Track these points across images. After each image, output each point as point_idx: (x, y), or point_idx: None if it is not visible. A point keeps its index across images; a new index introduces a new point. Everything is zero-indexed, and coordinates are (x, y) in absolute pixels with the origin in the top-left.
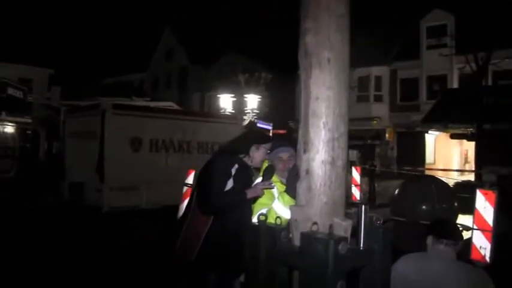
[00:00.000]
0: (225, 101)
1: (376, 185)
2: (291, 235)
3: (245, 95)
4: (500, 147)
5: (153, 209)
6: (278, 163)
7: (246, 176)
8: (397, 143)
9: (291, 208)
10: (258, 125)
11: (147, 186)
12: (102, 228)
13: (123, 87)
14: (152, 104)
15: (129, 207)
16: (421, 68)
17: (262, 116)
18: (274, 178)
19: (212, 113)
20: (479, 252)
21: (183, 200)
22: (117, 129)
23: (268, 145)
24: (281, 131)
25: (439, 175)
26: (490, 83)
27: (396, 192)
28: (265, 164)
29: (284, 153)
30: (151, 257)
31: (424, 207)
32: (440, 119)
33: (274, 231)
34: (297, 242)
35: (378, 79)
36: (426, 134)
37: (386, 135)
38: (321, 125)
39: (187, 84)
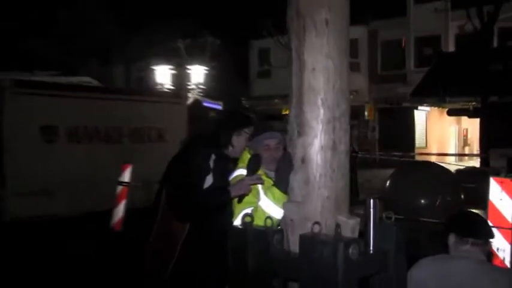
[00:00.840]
0: (162, 75)
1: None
2: (285, 239)
3: (188, 67)
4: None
5: (74, 218)
6: (263, 152)
7: (226, 169)
8: (379, 122)
9: (285, 205)
10: (205, 104)
11: (64, 188)
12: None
13: (20, 57)
14: (63, 80)
15: (40, 217)
16: (408, 27)
17: (210, 92)
18: (260, 169)
19: (148, 91)
20: (497, 256)
21: (118, 203)
22: (22, 113)
23: (250, 129)
24: None
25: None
26: (496, 44)
27: (387, 184)
28: (247, 154)
29: (270, 140)
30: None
31: (423, 201)
32: (434, 92)
33: (264, 235)
34: (294, 247)
35: (354, 43)
36: (415, 111)
37: (366, 113)
38: (319, 102)
39: (109, 54)
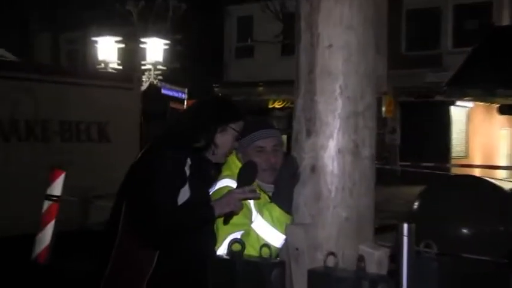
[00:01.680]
0: (105, 49)
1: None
2: (288, 274)
3: (142, 40)
4: None
5: None
6: (255, 157)
7: (207, 178)
8: (402, 121)
9: (287, 229)
10: (163, 91)
11: None
12: None
13: None
14: None
15: None
16: None
17: (172, 75)
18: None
19: (86, 71)
20: None
21: (45, 225)
22: None
23: (239, 125)
24: None
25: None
26: None
27: (414, 206)
28: (234, 159)
29: (266, 140)
30: None
31: (467, 231)
32: (480, 80)
33: (258, 269)
34: (299, 285)
35: None
36: (452, 107)
37: (383, 108)
38: (337, 89)
39: (30, 18)
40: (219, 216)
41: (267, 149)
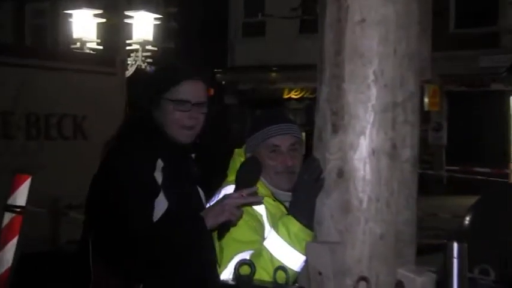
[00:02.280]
0: (82, 25)
1: None
2: None
3: (127, 13)
4: None
5: None
6: (268, 159)
7: (188, 177)
8: (449, 116)
9: (308, 249)
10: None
11: None
12: None
13: None
14: None
15: None
16: None
17: (164, 57)
18: (261, 187)
19: (58, 52)
20: None
21: (5, 242)
22: None
23: (176, 90)
24: None
25: None
26: None
27: (466, 220)
28: (240, 160)
29: (282, 138)
30: None
31: None
32: None
33: None
34: None
35: None
36: None
37: (425, 100)
38: (370, 75)
39: None
40: (214, 229)
41: (283, 149)
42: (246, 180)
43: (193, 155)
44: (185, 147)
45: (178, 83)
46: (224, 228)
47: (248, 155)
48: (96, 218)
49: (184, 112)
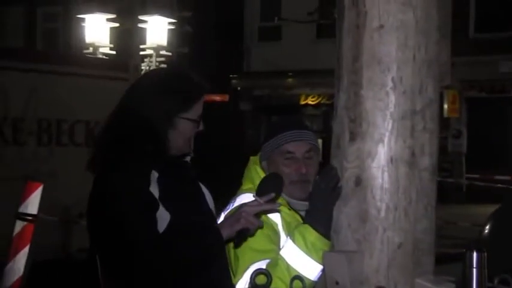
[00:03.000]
0: (95, 30)
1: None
2: None
3: (141, 18)
4: None
5: None
6: (284, 165)
7: (187, 185)
8: (469, 123)
9: (326, 258)
10: None
11: None
12: None
13: None
14: None
15: None
16: None
17: (178, 62)
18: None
19: (70, 57)
20: None
21: (16, 252)
22: None
23: (195, 108)
24: (217, 97)
25: None
26: None
27: (486, 229)
28: (256, 168)
29: (297, 144)
30: None
31: None
32: None
33: None
34: None
35: None
36: None
37: (445, 106)
38: (389, 82)
39: None
40: (230, 240)
41: (298, 156)
42: (267, 189)
43: (188, 159)
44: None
45: (198, 101)
46: (241, 237)
47: (264, 163)
48: (99, 239)
49: (196, 128)
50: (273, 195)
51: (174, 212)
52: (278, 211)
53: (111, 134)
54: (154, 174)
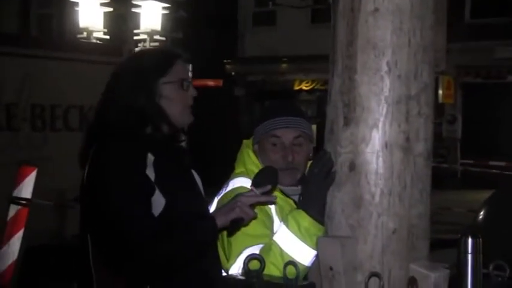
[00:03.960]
0: (89, 14)
1: None
2: None
3: (135, 2)
4: None
5: None
6: (271, 151)
7: (180, 166)
8: (464, 109)
9: (319, 243)
10: None
11: None
12: None
13: None
14: None
15: None
16: None
17: (172, 47)
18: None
19: (63, 42)
20: None
21: (10, 237)
22: None
23: (176, 70)
24: (211, 82)
25: None
26: None
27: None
28: (248, 151)
29: (284, 130)
30: None
31: None
32: None
33: None
34: None
35: None
36: None
37: (440, 92)
38: (383, 66)
39: None
40: (224, 228)
41: (285, 142)
42: (263, 180)
43: (183, 143)
44: (174, 136)
45: (173, 64)
46: (234, 226)
47: (255, 146)
48: (92, 222)
49: (186, 91)
50: (269, 187)
51: (169, 197)
52: (274, 203)
53: (101, 119)
54: (150, 158)
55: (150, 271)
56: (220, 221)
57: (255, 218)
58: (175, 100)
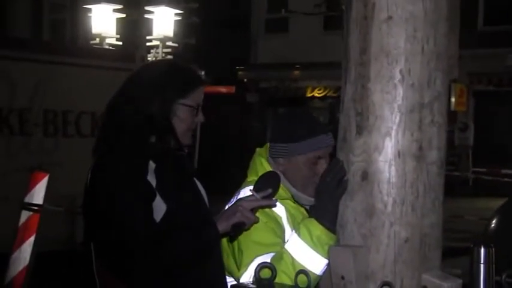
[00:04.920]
0: (101, 21)
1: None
2: None
3: (147, 8)
4: None
5: None
6: (309, 168)
7: (186, 176)
8: (476, 116)
9: (332, 252)
10: None
11: None
12: None
13: None
14: None
15: None
16: None
17: (185, 53)
18: (281, 190)
19: (76, 48)
20: None
21: (21, 242)
22: None
23: (196, 94)
24: (223, 89)
25: None
26: None
27: (492, 224)
28: (261, 160)
29: (325, 150)
30: None
31: None
32: None
33: None
34: None
35: None
36: None
37: (452, 99)
38: (397, 75)
39: None
40: (225, 234)
41: (325, 161)
42: (265, 184)
43: (185, 151)
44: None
45: (195, 89)
46: (236, 230)
47: (280, 159)
48: (94, 228)
49: (196, 116)
50: (270, 191)
51: (171, 203)
52: (275, 206)
53: (111, 123)
54: (152, 165)
55: (153, 275)
56: (222, 226)
57: (256, 222)
58: (184, 121)
